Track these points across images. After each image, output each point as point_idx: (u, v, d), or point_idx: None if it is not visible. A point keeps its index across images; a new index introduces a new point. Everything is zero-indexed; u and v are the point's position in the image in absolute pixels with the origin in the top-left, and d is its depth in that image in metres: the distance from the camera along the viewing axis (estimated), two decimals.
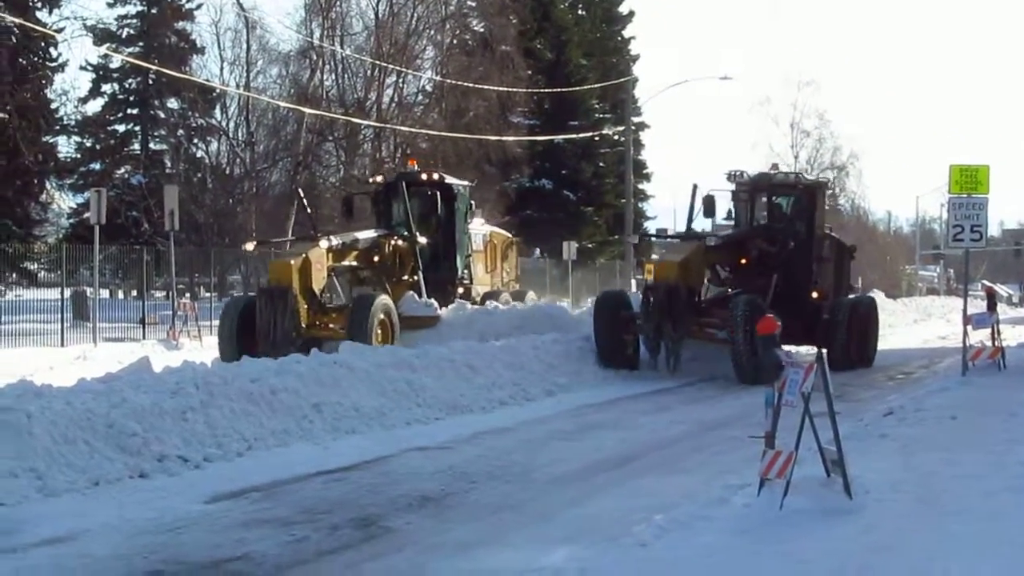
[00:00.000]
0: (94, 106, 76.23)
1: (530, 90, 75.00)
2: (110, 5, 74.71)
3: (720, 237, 35.39)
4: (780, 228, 35.82)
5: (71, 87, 73.27)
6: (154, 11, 74.21)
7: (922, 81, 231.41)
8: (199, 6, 75.51)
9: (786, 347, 25.96)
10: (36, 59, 67.83)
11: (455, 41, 77.17)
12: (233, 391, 20.55)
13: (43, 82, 69.27)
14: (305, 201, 43.52)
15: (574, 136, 78.90)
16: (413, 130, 69.85)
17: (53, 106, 70.71)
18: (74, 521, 14.31)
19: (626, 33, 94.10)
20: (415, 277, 36.29)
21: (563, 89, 76.53)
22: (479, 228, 41.63)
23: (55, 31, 63.73)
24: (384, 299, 32.59)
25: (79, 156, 75.79)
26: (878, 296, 60.74)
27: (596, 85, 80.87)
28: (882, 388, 29.92)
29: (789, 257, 35.00)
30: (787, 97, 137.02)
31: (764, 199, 37.21)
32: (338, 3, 71.29)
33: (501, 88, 70.00)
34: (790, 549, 12.38)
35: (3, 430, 16.42)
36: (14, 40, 62.74)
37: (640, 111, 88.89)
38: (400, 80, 73.21)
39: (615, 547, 12.70)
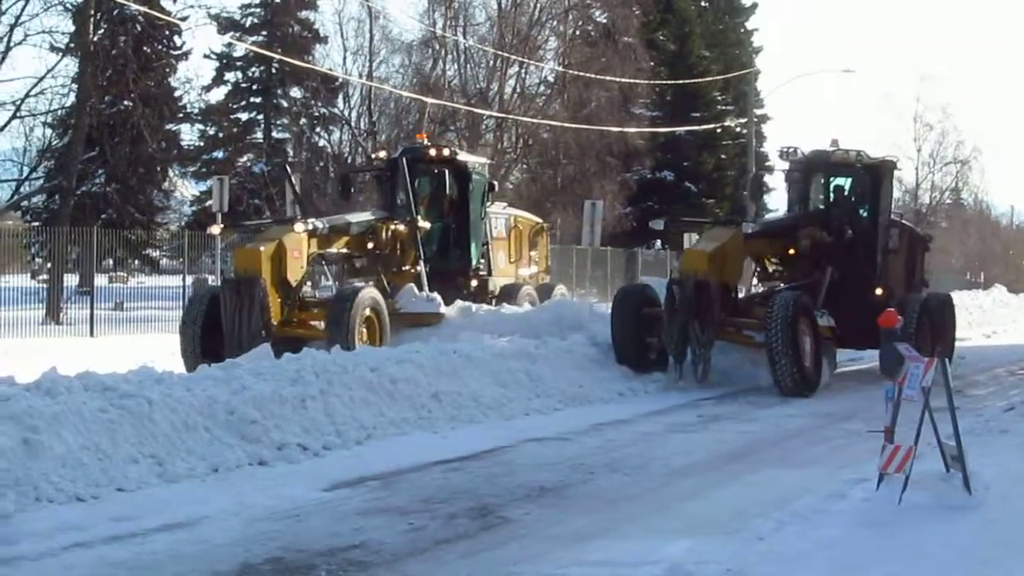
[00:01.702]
0: (217, 94, 76.93)
1: (652, 82, 74.88)
2: None
3: (762, 224, 31.56)
4: (837, 214, 30.90)
5: (194, 75, 73.74)
6: (277, 0, 74.60)
7: None
8: None
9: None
10: (160, 47, 68.39)
11: (578, 32, 77.18)
12: (352, 380, 20.64)
13: (167, 70, 69.85)
14: (294, 180, 40.75)
15: (696, 128, 78.65)
16: (535, 120, 69.92)
17: (176, 94, 71.27)
18: (193, 507, 14.42)
19: (749, 25, 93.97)
20: (418, 267, 31.64)
21: (685, 81, 76.37)
22: (501, 212, 36.56)
23: (179, 19, 64.16)
24: (370, 293, 28.54)
25: (202, 144, 76.48)
26: (1000, 291, 60.17)
27: (718, 77, 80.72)
28: (1003, 383, 29.65)
29: (848, 248, 30.21)
30: (910, 90, 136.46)
31: (820, 180, 32.63)
32: None
33: (623, 79, 69.92)
34: (909, 543, 12.33)
35: (124, 416, 16.59)
36: (139, 28, 63.24)
37: (762, 103, 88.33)
38: (522, 70, 73.49)
39: (733, 540, 12.71)
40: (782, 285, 29.99)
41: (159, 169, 70.14)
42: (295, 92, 75.17)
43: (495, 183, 36.54)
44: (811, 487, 15.52)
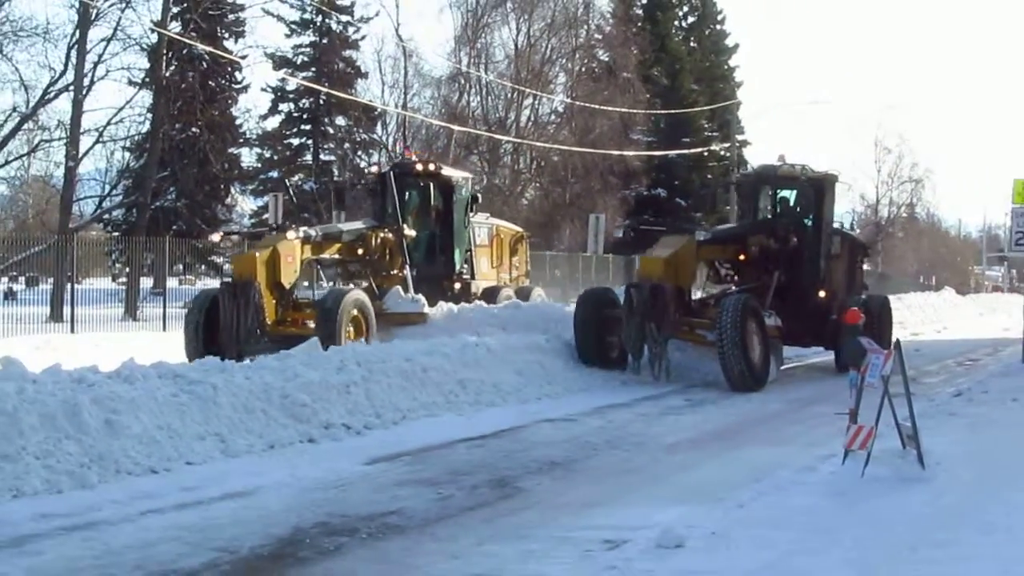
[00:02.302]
0: (272, 122, 76.81)
1: (648, 111, 74.77)
2: (287, 36, 75.31)
3: (713, 232, 30.01)
4: (783, 223, 29.18)
5: (253, 106, 74.23)
6: (325, 41, 74.62)
7: (991, 100, 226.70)
8: (363, 37, 75.91)
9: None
10: (223, 82, 68.42)
11: (583, 69, 77.36)
12: (390, 368, 20.66)
13: (229, 102, 69.95)
14: (292, 192, 40.16)
15: (686, 151, 78.41)
16: (547, 145, 70.04)
17: (237, 122, 71.31)
18: (251, 479, 14.46)
19: (732, 62, 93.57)
20: (404, 271, 30.56)
21: (676, 111, 76.24)
22: (484, 222, 34.79)
23: (240, 58, 64.23)
24: (356, 295, 27.53)
25: (259, 165, 76.41)
26: (949, 293, 60.16)
27: (705, 108, 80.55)
28: (952, 372, 29.58)
29: (793, 254, 28.56)
30: (872, 118, 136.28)
31: (768, 192, 30.79)
32: (483, 36, 71.73)
33: (623, 109, 69.90)
34: (871, 510, 12.34)
35: (192, 400, 16.64)
36: (205, 65, 63.29)
37: (743, 130, 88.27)
38: (536, 102, 73.55)
39: (718, 507, 12.71)
40: (733, 288, 28.40)
41: (222, 187, 70.14)
42: (340, 120, 75.20)
43: (478, 195, 35.01)
44: (786, 462, 15.51)
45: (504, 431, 18.92)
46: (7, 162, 57.58)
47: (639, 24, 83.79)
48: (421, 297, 29.28)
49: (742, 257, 28.59)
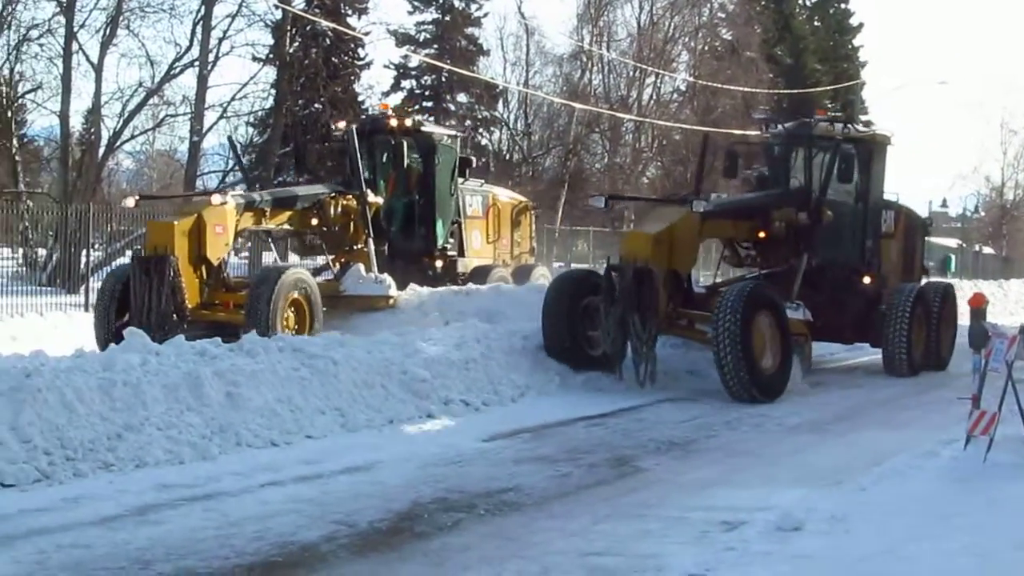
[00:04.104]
0: (394, 99, 77.14)
1: (771, 91, 74.21)
2: (410, 13, 75.44)
3: (719, 203, 23.65)
4: (815, 193, 23.84)
5: (375, 83, 73.98)
6: (447, 18, 74.76)
7: None
8: (486, 14, 75.92)
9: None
10: (346, 58, 68.69)
11: (707, 47, 76.91)
12: (509, 346, 20.70)
13: (351, 78, 70.19)
14: (239, 149, 34.77)
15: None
16: (669, 124, 69.72)
17: (360, 99, 71.56)
18: (371, 453, 14.58)
19: (856, 42, 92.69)
20: (368, 246, 25.57)
21: (800, 91, 75.57)
22: (478, 189, 29.37)
23: (363, 34, 64.59)
24: (296, 274, 22.84)
25: None
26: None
27: (829, 87, 79.75)
28: None
29: (830, 232, 23.55)
30: (998, 100, 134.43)
31: (802, 155, 24.81)
32: (606, 13, 71.51)
33: (746, 89, 69.41)
34: (993, 496, 12.18)
35: (313, 374, 16.79)
36: (328, 42, 63.70)
37: (867, 111, 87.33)
38: (658, 80, 73.21)
39: (837, 491, 12.63)
40: (755, 272, 24.11)
41: None
42: (461, 97, 75.37)
43: (471, 158, 30.12)
44: (906, 446, 15.36)
45: (623, 410, 18.87)
46: (132, 136, 58.08)
47: (763, 3, 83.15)
48: (387, 277, 24.67)
49: (763, 235, 23.36)
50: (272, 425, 15.34)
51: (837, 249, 23.67)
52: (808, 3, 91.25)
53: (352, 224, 25.75)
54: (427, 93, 76.91)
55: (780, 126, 25.87)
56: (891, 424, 18.26)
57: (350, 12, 68.04)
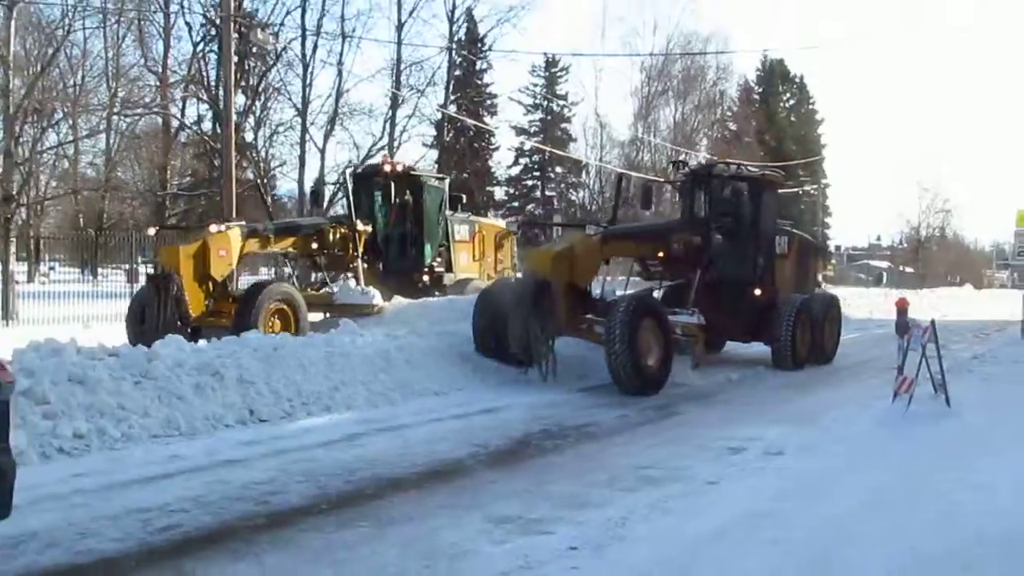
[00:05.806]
0: (515, 170, 77.47)
1: (762, 164, 73.55)
2: (524, 114, 76.20)
3: (612, 229, 18.92)
4: (705, 221, 20.06)
5: (502, 160, 74.66)
6: (549, 117, 75.41)
7: (1002, 144, 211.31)
8: (574, 114, 76.09)
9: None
10: (482, 143, 69.51)
11: (719, 135, 76.78)
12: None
13: (486, 156, 70.94)
14: (264, 192, 32.18)
15: (787, 191, 77.04)
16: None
17: (492, 170, 72.35)
18: (498, 400, 14.58)
19: (820, 130, 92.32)
20: (356, 264, 23.16)
21: (781, 164, 75.08)
22: (466, 220, 26.30)
23: (494, 128, 65.34)
24: (280, 286, 20.54)
25: (506, 198, 77.24)
26: (968, 289, 57.75)
27: (800, 161, 79.13)
28: (970, 342, 28.43)
29: (723, 252, 19.54)
30: (915, 166, 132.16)
31: (703, 191, 20.99)
32: (653, 112, 71.24)
33: (745, 162, 68.84)
34: (912, 435, 12.09)
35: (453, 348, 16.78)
36: (471, 133, 64.58)
37: (826, 175, 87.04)
38: (686, 157, 72.77)
39: (805, 428, 12.52)
40: (659, 284, 20.36)
41: (483, 214, 71.30)
42: (558, 169, 76.02)
43: (463, 196, 26.91)
44: (850, 401, 15.17)
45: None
46: (343, 196, 58.69)
47: (756, 105, 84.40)
48: (372, 289, 22.18)
49: (661, 254, 19.28)
50: (435, 382, 15.39)
51: (732, 266, 19.88)
52: (787, 105, 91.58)
53: (350, 248, 23.16)
54: (536, 166, 77.72)
55: (687, 167, 22.67)
56: (837, 388, 17.99)
57: (486, 114, 68.94)
